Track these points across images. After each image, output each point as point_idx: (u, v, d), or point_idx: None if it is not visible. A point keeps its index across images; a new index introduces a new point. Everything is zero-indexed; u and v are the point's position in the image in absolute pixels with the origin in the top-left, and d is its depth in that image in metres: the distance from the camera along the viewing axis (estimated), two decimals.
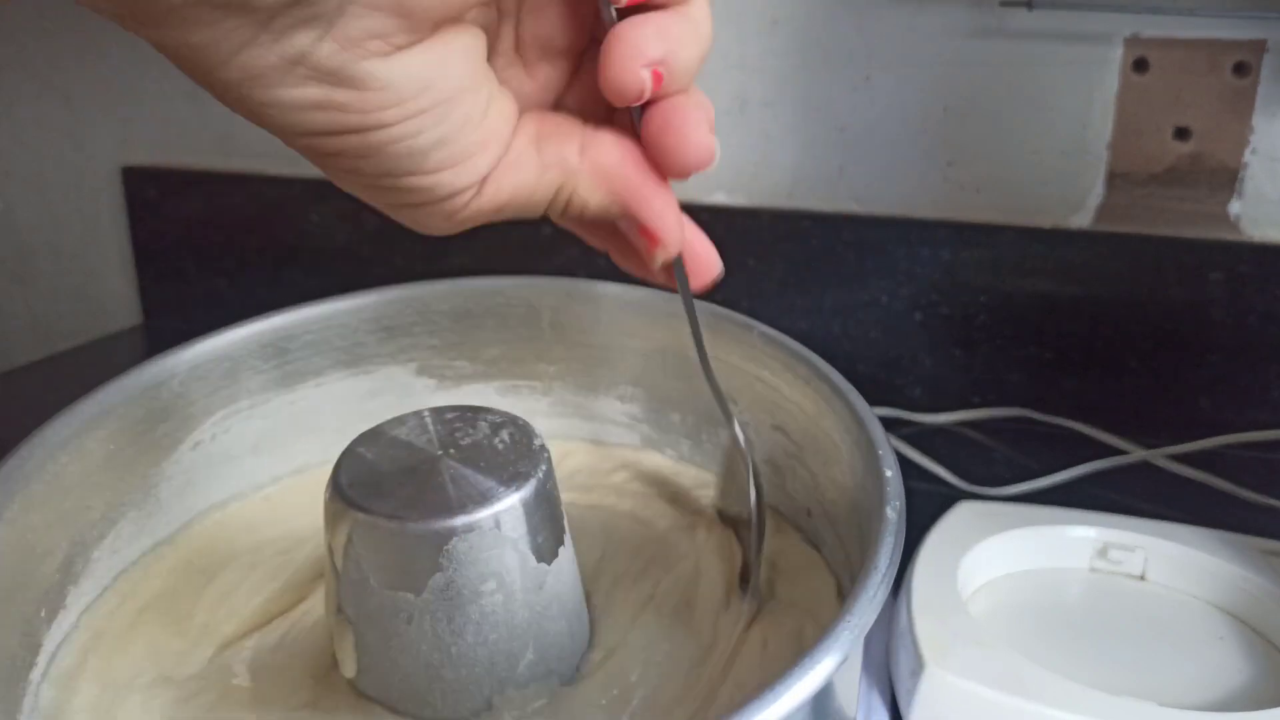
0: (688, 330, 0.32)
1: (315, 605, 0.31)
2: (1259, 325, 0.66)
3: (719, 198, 0.76)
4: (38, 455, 0.29)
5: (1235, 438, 0.65)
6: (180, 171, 0.88)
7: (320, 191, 0.84)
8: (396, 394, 0.38)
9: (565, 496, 0.29)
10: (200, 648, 0.30)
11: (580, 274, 0.77)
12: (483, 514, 0.25)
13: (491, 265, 0.80)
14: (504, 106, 0.26)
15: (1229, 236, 0.67)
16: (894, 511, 0.26)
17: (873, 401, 0.39)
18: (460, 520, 0.24)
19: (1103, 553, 0.50)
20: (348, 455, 0.28)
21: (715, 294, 0.75)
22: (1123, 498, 0.60)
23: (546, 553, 0.26)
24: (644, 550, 0.34)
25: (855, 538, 0.30)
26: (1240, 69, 0.64)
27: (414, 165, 0.24)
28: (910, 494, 0.33)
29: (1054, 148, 0.69)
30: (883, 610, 0.25)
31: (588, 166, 0.27)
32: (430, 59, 0.23)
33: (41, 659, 0.28)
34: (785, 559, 0.34)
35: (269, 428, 0.36)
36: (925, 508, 0.53)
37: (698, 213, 0.74)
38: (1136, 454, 0.65)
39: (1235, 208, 0.67)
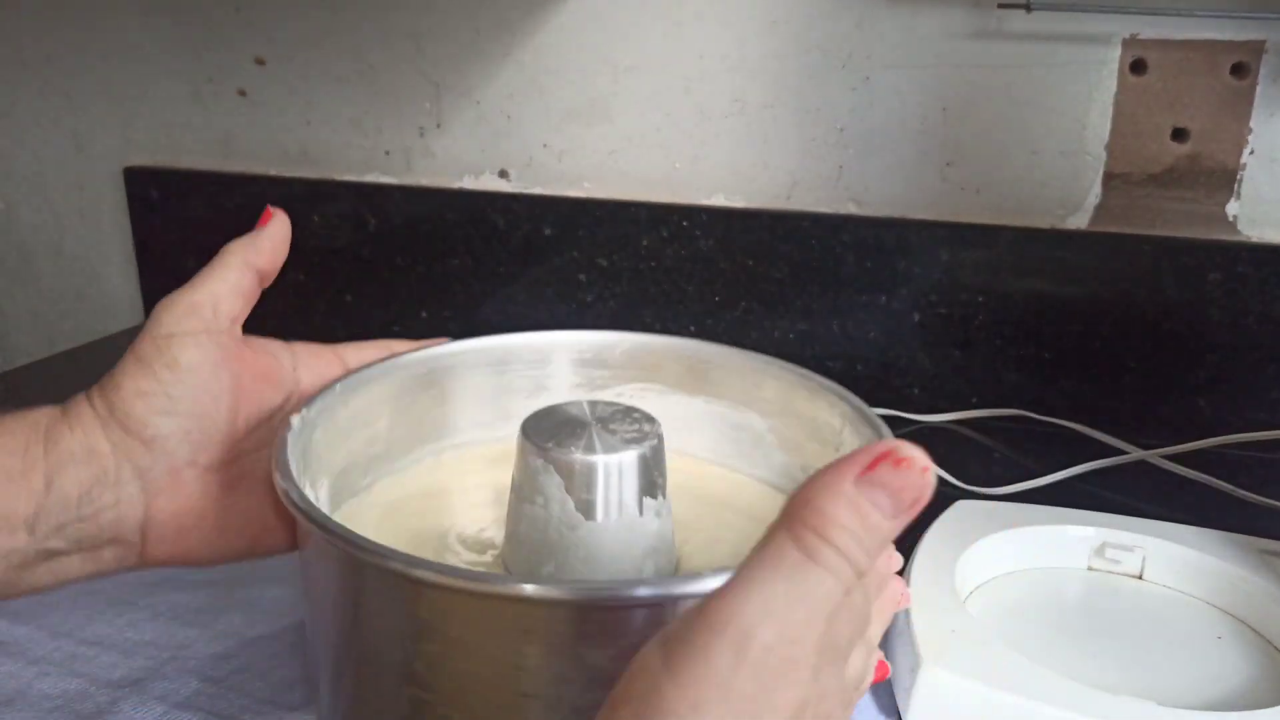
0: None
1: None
2: (1257, 326, 0.66)
3: (718, 199, 0.76)
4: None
5: (1233, 438, 0.65)
6: (181, 172, 0.89)
7: (321, 191, 0.84)
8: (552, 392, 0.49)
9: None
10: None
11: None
12: (628, 453, 0.38)
13: (491, 265, 0.80)
14: None
15: (1227, 237, 0.67)
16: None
17: (871, 402, 0.40)
18: (609, 457, 0.38)
19: (1100, 552, 0.51)
20: (532, 418, 0.41)
21: (715, 292, 0.75)
22: (1120, 497, 0.60)
23: (656, 493, 0.40)
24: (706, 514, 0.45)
25: None
26: (1238, 70, 0.65)
27: None
28: None
29: (1052, 148, 0.69)
30: None
31: None
32: None
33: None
34: None
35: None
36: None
37: (697, 214, 0.75)
38: (1134, 454, 0.65)
39: (1233, 208, 0.67)
